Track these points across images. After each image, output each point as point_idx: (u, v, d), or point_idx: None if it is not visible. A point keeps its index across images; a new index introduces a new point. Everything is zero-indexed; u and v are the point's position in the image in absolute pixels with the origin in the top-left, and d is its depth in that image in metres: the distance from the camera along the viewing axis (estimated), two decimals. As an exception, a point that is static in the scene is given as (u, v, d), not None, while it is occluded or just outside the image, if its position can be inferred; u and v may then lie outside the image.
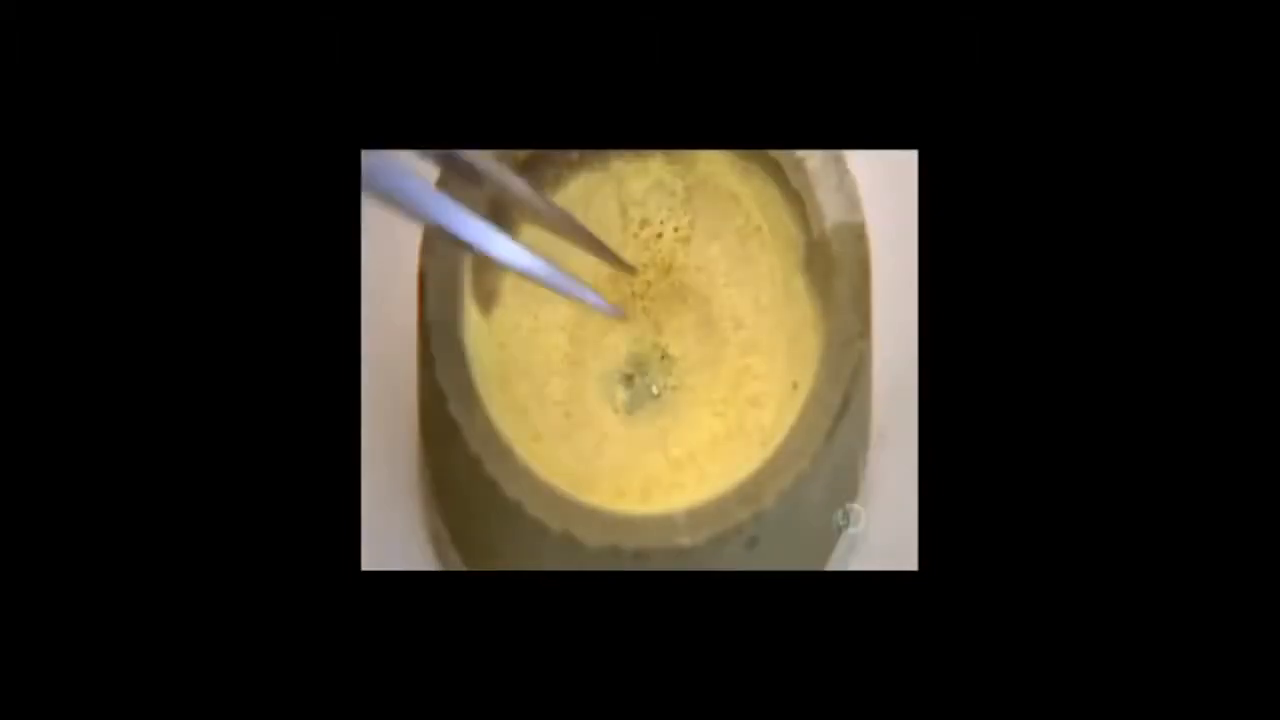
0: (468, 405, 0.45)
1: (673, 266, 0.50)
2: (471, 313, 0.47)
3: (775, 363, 0.48)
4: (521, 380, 0.48)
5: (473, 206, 0.42)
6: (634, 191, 0.50)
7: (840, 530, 0.50)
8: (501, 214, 0.46)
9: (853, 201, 0.47)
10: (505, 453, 0.45)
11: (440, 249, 0.46)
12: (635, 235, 0.50)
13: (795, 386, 0.47)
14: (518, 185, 0.44)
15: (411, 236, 0.47)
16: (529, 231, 0.47)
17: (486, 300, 0.48)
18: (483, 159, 0.43)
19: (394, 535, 0.52)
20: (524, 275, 0.43)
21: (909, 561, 0.50)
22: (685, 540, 0.44)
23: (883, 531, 0.51)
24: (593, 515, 0.44)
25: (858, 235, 0.47)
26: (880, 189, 0.49)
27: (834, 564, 0.50)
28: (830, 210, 0.47)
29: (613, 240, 0.50)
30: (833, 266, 0.46)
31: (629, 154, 0.49)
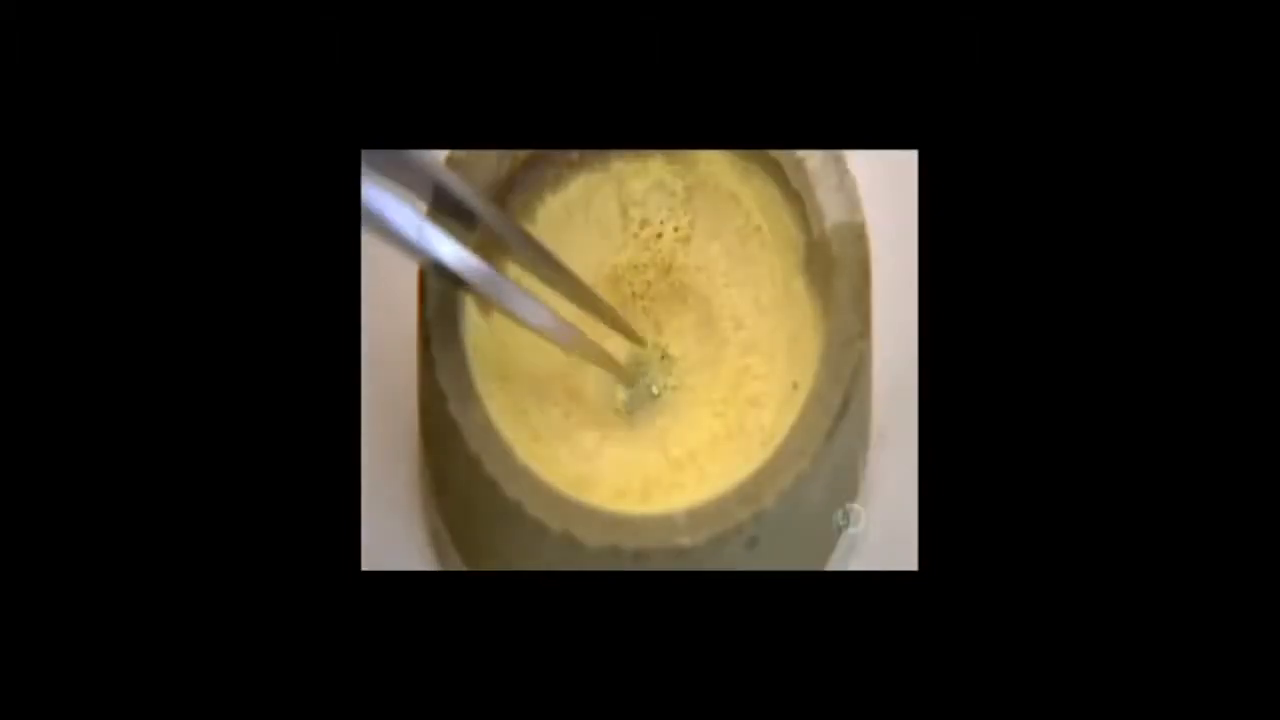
0: (468, 405, 0.45)
1: (673, 266, 0.50)
2: (471, 313, 0.47)
3: (775, 363, 0.48)
4: (521, 380, 0.48)
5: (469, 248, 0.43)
6: (634, 191, 0.50)
7: (840, 530, 0.50)
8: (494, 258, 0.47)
9: (853, 201, 0.47)
10: (505, 453, 0.45)
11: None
12: (635, 235, 0.50)
13: (795, 386, 0.47)
14: (517, 237, 0.44)
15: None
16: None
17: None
18: (489, 211, 0.44)
19: (394, 535, 0.52)
20: (527, 325, 0.44)
21: (909, 561, 0.50)
22: (685, 540, 0.44)
23: (883, 531, 0.51)
24: (593, 515, 0.44)
25: (858, 235, 0.47)
26: (880, 189, 0.49)
27: (834, 564, 0.50)
28: (830, 210, 0.47)
29: (613, 240, 0.50)
30: (833, 266, 0.46)
31: (629, 154, 0.49)
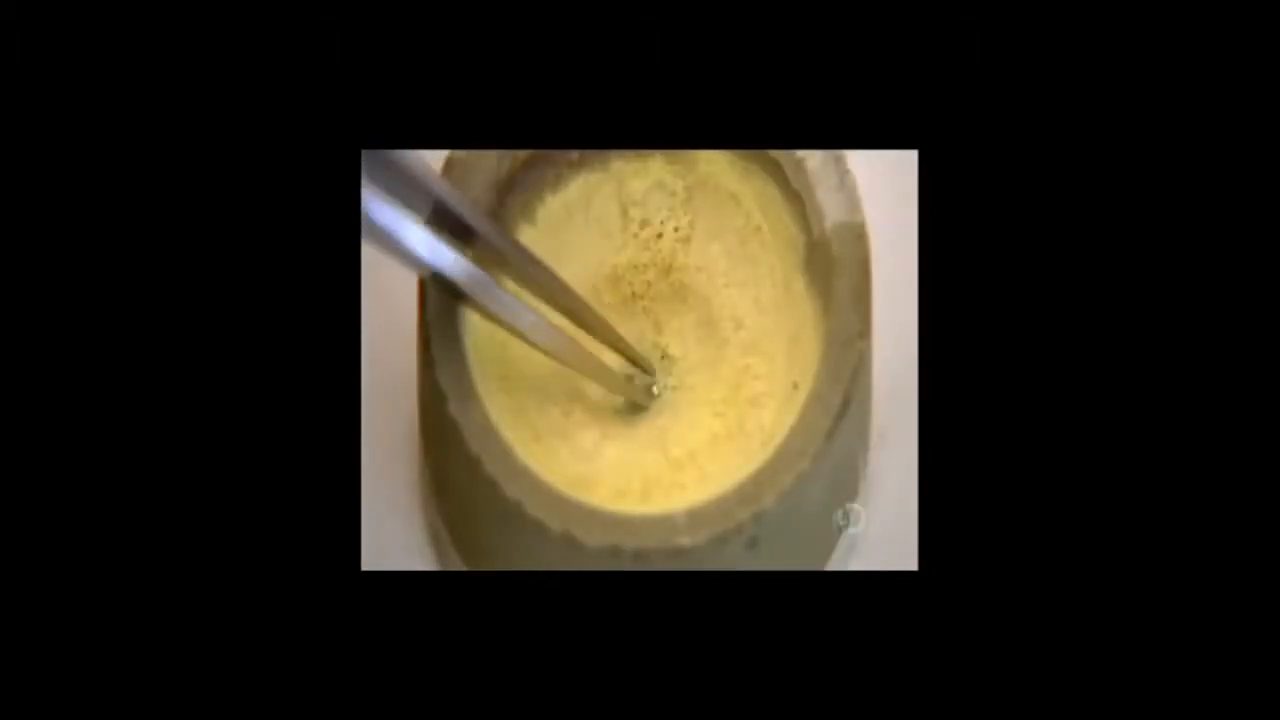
0: (467, 405, 0.45)
1: (673, 266, 0.50)
2: (471, 313, 0.47)
3: (775, 363, 0.48)
4: (521, 380, 0.48)
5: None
6: (634, 191, 0.50)
7: (840, 530, 0.50)
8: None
9: (853, 201, 0.47)
10: (505, 453, 0.45)
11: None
12: (635, 235, 0.50)
13: (795, 386, 0.47)
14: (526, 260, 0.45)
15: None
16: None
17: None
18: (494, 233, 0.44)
19: (394, 535, 0.52)
20: (526, 339, 0.44)
21: (909, 561, 0.50)
22: (685, 540, 0.44)
23: (883, 532, 0.51)
24: (593, 515, 0.44)
25: (858, 235, 0.47)
26: (880, 189, 0.49)
27: (834, 564, 0.50)
28: (830, 210, 0.47)
29: (613, 240, 0.50)
30: (833, 266, 0.46)
31: (629, 154, 0.49)
